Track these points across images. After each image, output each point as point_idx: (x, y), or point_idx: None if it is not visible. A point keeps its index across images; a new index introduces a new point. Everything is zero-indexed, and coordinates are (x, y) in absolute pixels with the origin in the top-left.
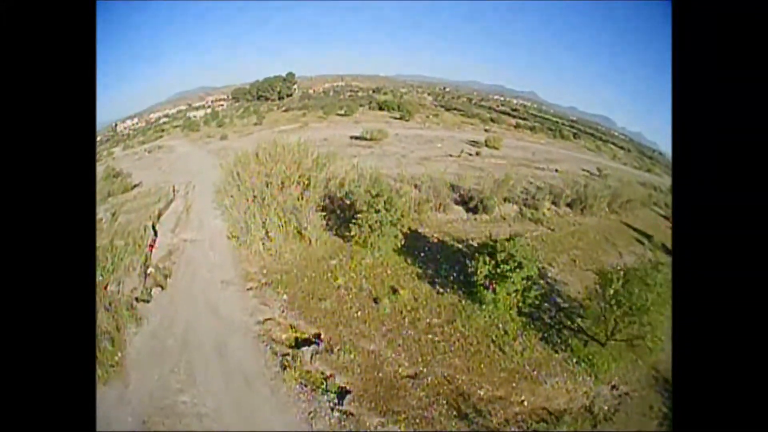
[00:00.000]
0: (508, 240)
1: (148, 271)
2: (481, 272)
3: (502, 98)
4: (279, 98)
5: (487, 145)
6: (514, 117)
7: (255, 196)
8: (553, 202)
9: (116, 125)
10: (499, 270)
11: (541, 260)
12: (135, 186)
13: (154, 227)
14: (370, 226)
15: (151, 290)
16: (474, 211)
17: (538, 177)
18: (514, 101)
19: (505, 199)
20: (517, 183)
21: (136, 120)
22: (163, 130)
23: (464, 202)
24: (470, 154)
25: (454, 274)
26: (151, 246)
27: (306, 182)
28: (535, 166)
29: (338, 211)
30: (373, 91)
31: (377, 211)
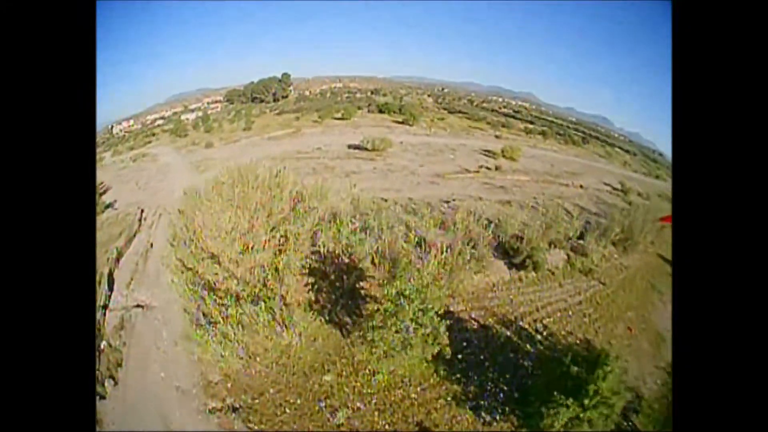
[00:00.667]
0: (595, 369)
1: (101, 347)
2: (561, 419)
3: (501, 99)
4: (274, 100)
5: (504, 156)
6: (521, 120)
7: (207, 264)
8: (603, 245)
9: (112, 127)
10: (585, 415)
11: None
12: (107, 207)
13: (110, 276)
14: (385, 330)
15: (104, 381)
16: (519, 266)
17: (566, 197)
18: (514, 102)
19: (550, 244)
20: (557, 216)
21: (132, 122)
22: (153, 134)
23: (506, 251)
24: (489, 168)
25: (504, 388)
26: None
27: (282, 237)
28: (559, 182)
29: (332, 277)
30: (372, 93)
31: (398, 304)
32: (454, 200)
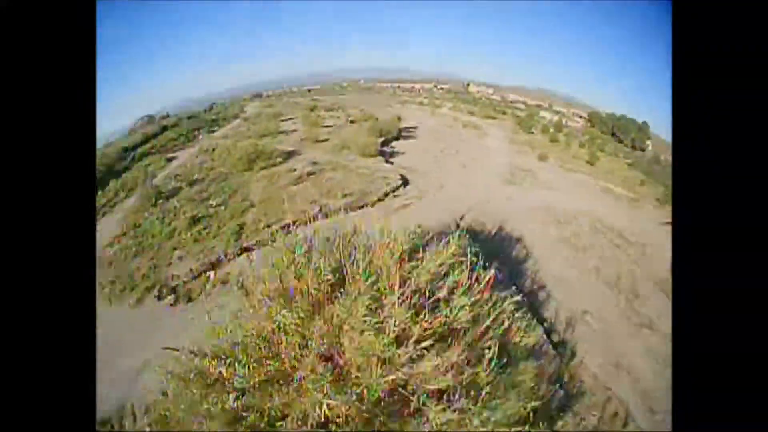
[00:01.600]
0: None
1: (208, 274)
2: None
3: None
4: (632, 147)
5: None
6: None
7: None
8: None
9: (468, 84)
10: None
11: None
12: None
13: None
14: None
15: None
16: None
17: None
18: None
19: None
20: None
21: (491, 90)
22: (504, 113)
23: None
24: None
25: None
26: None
27: None
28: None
29: None
30: None
31: None
32: None
